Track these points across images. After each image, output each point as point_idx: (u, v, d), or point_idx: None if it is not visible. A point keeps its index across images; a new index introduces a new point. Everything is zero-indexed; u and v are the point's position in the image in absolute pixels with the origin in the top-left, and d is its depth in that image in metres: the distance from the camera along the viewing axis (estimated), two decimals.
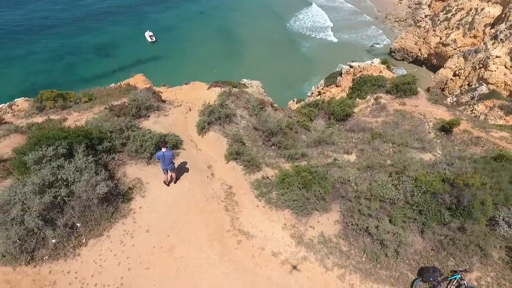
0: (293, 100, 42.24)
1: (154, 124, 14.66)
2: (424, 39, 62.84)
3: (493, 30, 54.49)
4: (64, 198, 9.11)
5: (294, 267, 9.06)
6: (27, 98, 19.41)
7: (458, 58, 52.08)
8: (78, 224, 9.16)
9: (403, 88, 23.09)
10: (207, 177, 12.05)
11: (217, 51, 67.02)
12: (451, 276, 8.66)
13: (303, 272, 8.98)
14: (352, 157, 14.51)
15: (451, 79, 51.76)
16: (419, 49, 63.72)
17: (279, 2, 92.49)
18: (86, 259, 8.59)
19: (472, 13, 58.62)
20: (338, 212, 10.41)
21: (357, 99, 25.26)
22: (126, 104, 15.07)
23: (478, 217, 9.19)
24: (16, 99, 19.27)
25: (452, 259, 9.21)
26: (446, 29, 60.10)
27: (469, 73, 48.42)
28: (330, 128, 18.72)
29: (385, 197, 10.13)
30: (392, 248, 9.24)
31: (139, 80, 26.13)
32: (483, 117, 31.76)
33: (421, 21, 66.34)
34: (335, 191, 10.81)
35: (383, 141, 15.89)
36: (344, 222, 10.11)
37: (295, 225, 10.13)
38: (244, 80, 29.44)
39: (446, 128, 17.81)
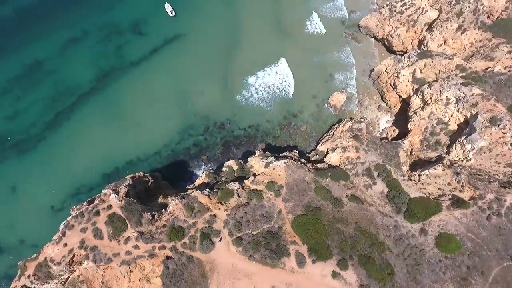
0: None
1: None
2: (381, 24, 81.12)
3: (425, 32, 74.21)
4: None
5: None
6: None
7: (390, 60, 74.67)
8: None
9: None
10: None
11: None
12: None
13: None
14: None
15: (383, 72, 76.09)
16: (377, 31, 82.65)
17: None
18: None
19: (419, 12, 75.70)
20: None
21: None
22: None
23: None
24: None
25: None
26: (397, 21, 78.14)
27: (391, 76, 73.00)
28: None
29: None
30: None
31: None
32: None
33: (383, 7, 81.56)
34: None
35: None
36: None
37: None
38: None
39: None
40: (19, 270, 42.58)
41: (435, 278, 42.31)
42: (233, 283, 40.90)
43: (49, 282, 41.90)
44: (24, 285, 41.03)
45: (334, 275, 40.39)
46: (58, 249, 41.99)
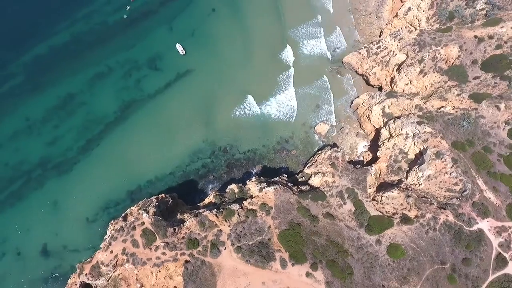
0: None
1: None
2: (361, 63, 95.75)
3: (395, 72, 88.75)
4: None
5: None
6: None
7: (366, 95, 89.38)
8: None
9: None
10: None
11: None
12: None
13: None
14: None
15: (360, 105, 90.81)
16: (358, 68, 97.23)
17: None
18: None
19: (390, 54, 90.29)
20: None
21: None
22: None
23: None
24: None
25: None
26: (373, 61, 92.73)
27: (366, 109, 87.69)
28: None
29: None
30: None
31: None
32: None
33: (361, 49, 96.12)
34: None
35: None
36: None
37: None
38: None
39: None
40: (78, 270, 57.94)
41: (384, 277, 57.09)
42: (234, 280, 55.92)
43: (99, 279, 57.14)
44: (82, 281, 56.34)
45: (308, 274, 55.34)
46: (106, 255, 57.14)
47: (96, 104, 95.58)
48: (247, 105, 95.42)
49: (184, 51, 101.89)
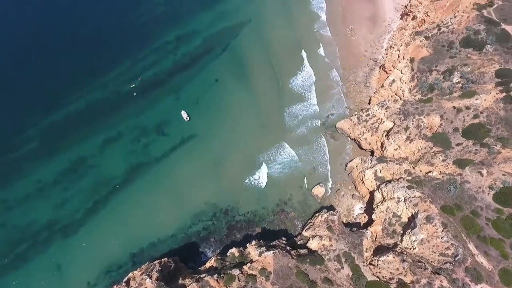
0: None
1: None
2: (352, 128, 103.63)
3: (384, 138, 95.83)
4: None
5: None
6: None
7: (358, 159, 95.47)
8: None
9: None
10: None
11: None
12: None
13: None
14: None
15: (354, 168, 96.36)
16: (350, 133, 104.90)
17: None
18: None
19: (379, 121, 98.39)
20: None
21: None
22: None
23: None
24: None
25: None
26: (364, 127, 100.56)
27: (360, 172, 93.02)
28: None
29: None
30: None
31: None
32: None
33: (352, 116, 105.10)
34: None
35: None
36: None
37: None
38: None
39: None
40: None
41: None
42: None
43: None
44: None
45: None
46: None
47: (105, 167, 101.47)
48: (250, 169, 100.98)
49: (188, 117, 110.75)
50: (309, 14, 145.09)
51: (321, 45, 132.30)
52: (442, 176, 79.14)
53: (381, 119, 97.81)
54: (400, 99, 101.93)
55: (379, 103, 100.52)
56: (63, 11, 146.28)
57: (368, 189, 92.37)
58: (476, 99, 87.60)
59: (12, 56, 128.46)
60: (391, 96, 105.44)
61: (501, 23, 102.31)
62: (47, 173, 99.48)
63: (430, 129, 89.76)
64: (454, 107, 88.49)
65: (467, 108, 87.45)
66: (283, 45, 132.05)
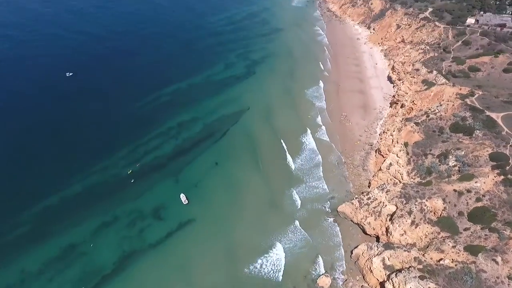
0: None
1: None
2: (355, 212, 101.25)
3: (389, 222, 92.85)
4: None
5: None
6: None
7: (364, 246, 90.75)
8: None
9: None
10: None
11: None
12: None
13: None
14: None
15: (360, 256, 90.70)
16: (352, 217, 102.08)
17: None
18: None
19: (381, 205, 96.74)
20: None
21: None
22: None
23: None
24: None
25: None
26: (366, 211, 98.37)
27: (367, 260, 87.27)
28: None
29: None
30: None
31: None
32: None
33: (353, 199, 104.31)
34: None
35: None
36: None
37: None
38: None
39: None
40: None
41: None
42: None
43: None
44: None
45: None
46: None
47: (96, 255, 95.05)
48: (250, 258, 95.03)
49: (187, 200, 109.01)
50: (305, 103, 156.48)
51: (317, 130, 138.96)
52: (455, 264, 74.10)
53: (383, 203, 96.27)
54: (400, 182, 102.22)
55: (379, 186, 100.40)
56: (71, 96, 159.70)
57: (377, 279, 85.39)
58: (476, 182, 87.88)
59: (13, 136, 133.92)
60: (390, 179, 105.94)
61: (485, 110, 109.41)
62: (33, 262, 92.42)
63: (434, 213, 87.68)
64: (455, 190, 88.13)
65: (468, 191, 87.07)
66: (283, 130, 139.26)
